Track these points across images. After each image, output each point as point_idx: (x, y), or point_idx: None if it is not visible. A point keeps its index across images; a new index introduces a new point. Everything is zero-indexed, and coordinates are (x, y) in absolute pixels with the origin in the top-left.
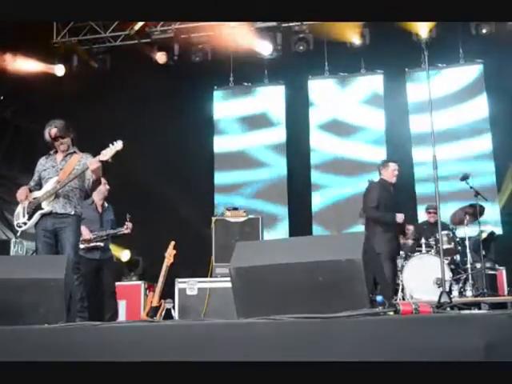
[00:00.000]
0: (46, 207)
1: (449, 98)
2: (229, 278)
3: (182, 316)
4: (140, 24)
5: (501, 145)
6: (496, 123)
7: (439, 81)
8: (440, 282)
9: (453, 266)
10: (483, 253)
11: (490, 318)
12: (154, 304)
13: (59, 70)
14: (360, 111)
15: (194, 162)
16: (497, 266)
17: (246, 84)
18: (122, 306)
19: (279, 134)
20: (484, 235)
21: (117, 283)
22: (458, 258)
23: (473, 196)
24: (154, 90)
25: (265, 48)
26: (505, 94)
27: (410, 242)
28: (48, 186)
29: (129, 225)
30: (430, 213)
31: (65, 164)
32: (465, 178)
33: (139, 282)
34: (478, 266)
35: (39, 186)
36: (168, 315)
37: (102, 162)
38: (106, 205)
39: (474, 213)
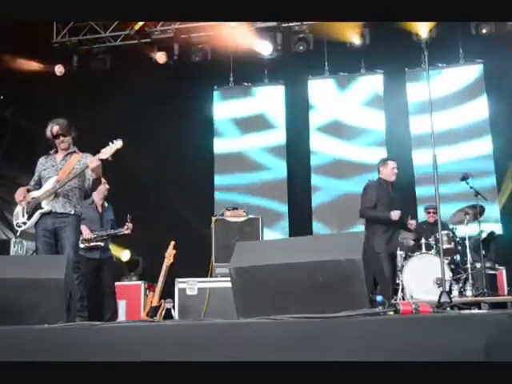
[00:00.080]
0: (46, 206)
1: (449, 98)
2: (229, 278)
3: (181, 316)
4: (140, 24)
5: (501, 145)
6: (496, 123)
7: (439, 81)
8: (440, 282)
9: (453, 266)
10: (483, 253)
11: (490, 318)
12: (154, 304)
13: (59, 69)
14: (360, 111)
15: (193, 161)
16: (497, 266)
17: (245, 84)
18: (121, 305)
19: (279, 134)
20: (484, 235)
21: (117, 283)
22: (457, 257)
23: (473, 196)
24: (154, 89)
25: (265, 48)
26: (505, 94)
27: (411, 242)
28: (47, 186)
29: (129, 225)
30: (429, 212)
31: (64, 163)
32: (465, 178)
33: (139, 282)
34: (478, 265)
35: (39, 185)
36: (168, 315)
37: (101, 160)
38: (106, 205)
39: (474, 213)
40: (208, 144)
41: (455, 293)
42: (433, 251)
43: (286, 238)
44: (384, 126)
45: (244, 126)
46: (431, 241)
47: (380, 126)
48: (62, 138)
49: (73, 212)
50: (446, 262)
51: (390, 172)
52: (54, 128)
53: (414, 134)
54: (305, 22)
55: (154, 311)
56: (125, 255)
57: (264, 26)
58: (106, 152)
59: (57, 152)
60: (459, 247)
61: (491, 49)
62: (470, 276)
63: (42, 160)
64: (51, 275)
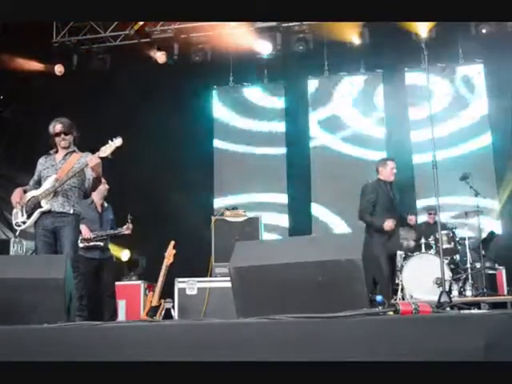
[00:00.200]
0: (45, 205)
1: (449, 97)
2: (228, 278)
3: (181, 316)
4: (140, 24)
5: (500, 144)
6: (496, 122)
7: (439, 81)
8: (440, 282)
9: (453, 266)
10: (483, 252)
11: (490, 318)
12: (154, 304)
13: (59, 69)
14: (359, 111)
15: (193, 161)
16: (496, 266)
17: (245, 84)
18: (121, 305)
19: (279, 134)
20: (484, 235)
21: (117, 283)
22: (457, 257)
23: (473, 195)
24: (154, 89)
25: (264, 48)
26: (505, 93)
27: (412, 243)
28: (47, 184)
29: (129, 226)
30: (430, 214)
31: (64, 163)
32: (465, 177)
33: (139, 282)
34: (478, 265)
35: (39, 185)
36: (168, 315)
37: (101, 158)
38: (106, 204)
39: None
40: (208, 144)
41: (455, 293)
42: (432, 251)
43: (286, 238)
44: (384, 124)
45: (244, 126)
46: (431, 240)
47: (380, 125)
48: (63, 136)
49: (72, 211)
50: (446, 261)
51: (389, 172)
52: (56, 126)
53: (413, 134)
54: (304, 22)
55: (153, 311)
56: (125, 255)
57: (264, 26)
58: (106, 150)
59: (57, 152)
60: (459, 247)
61: (491, 49)
62: (469, 276)
63: (41, 160)
64: (51, 275)
